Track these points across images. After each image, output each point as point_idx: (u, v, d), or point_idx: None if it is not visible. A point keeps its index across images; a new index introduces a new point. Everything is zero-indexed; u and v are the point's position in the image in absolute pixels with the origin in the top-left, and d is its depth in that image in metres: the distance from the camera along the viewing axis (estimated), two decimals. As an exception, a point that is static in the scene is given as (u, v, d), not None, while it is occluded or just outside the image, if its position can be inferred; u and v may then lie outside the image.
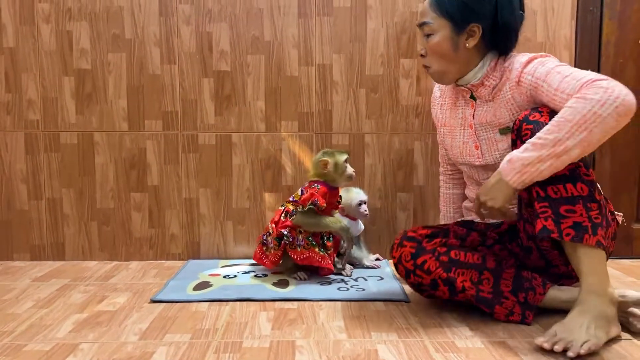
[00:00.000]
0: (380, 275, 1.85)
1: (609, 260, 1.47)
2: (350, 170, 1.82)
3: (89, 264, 2.02)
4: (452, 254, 1.46)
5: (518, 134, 1.36)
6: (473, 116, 1.56)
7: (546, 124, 1.29)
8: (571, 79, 1.29)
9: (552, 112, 1.32)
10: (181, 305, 1.57)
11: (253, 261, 1.90)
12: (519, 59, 1.46)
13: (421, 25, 1.51)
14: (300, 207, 1.77)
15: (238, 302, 1.60)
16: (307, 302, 1.60)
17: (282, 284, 1.76)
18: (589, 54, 2.05)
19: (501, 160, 1.40)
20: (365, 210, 1.92)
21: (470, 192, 1.66)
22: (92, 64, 2.01)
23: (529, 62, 1.43)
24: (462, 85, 1.55)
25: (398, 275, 1.85)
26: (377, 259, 2.02)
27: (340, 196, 1.92)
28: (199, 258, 2.08)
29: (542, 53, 1.48)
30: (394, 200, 2.08)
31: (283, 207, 1.84)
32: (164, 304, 1.59)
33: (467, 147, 1.57)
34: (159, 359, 1.23)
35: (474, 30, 1.47)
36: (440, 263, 1.45)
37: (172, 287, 1.72)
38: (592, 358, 1.23)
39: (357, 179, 2.06)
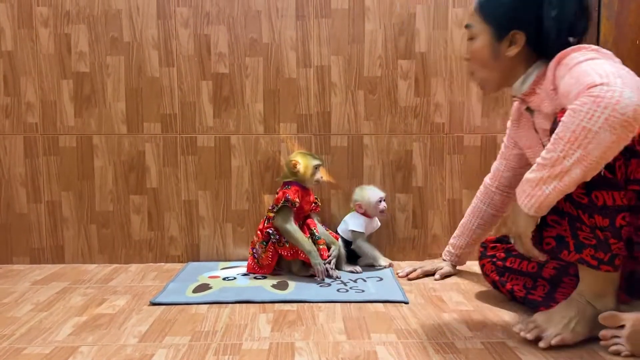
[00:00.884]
0: (379, 277, 1.85)
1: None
2: (318, 175, 1.88)
3: (88, 267, 2.02)
4: (508, 261, 1.55)
5: None
6: (535, 129, 1.43)
7: None
8: (575, 84, 1.14)
9: None
10: (181, 308, 1.57)
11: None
12: (555, 59, 1.27)
13: (466, 27, 1.43)
14: (275, 206, 1.81)
15: (237, 304, 1.60)
16: (306, 304, 1.61)
17: (282, 285, 1.76)
18: (586, 55, 2.05)
19: None
20: (385, 207, 1.95)
21: None
22: (91, 67, 2.01)
23: (558, 63, 1.25)
24: (515, 97, 1.44)
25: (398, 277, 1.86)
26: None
27: (317, 198, 1.94)
28: (198, 260, 2.08)
29: (580, 45, 1.26)
30: (392, 202, 2.08)
31: (266, 216, 1.88)
32: (164, 306, 1.59)
33: None
34: (158, 361, 1.23)
35: (516, 37, 1.35)
36: (495, 267, 1.57)
37: (171, 289, 1.72)
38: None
39: (356, 180, 2.06)
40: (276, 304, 1.60)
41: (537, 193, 1.18)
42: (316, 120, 2.06)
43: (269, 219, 1.85)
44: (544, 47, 1.33)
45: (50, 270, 1.98)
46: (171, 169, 2.05)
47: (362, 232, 1.93)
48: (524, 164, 1.63)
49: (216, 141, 2.05)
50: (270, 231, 1.82)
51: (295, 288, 1.73)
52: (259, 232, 1.88)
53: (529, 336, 1.27)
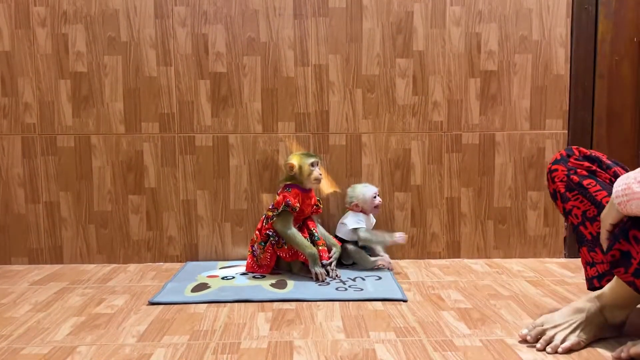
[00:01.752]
0: (378, 275, 1.85)
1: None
2: (316, 173, 1.85)
3: (87, 267, 2.02)
4: (586, 181, 1.32)
5: None
6: None
7: None
8: None
9: None
10: (179, 307, 1.57)
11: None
12: None
13: None
14: (275, 210, 1.80)
15: (236, 303, 1.60)
16: (305, 303, 1.60)
17: (280, 284, 1.76)
18: (584, 52, 2.05)
19: None
20: (380, 202, 1.96)
21: None
22: (88, 67, 2.01)
23: None
24: None
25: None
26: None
27: (319, 200, 1.93)
28: (197, 260, 2.08)
29: None
30: (391, 200, 2.08)
31: (264, 215, 1.88)
32: (162, 306, 1.59)
33: None
34: (156, 360, 1.23)
35: None
36: (567, 180, 1.35)
37: (170, 289, 1.72)
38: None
39: (355, 179, 2.06)
40: (275, 303, 1.60)
41: (636, 194, 1.10)
42: (314, 119, 2.05)
43: (267, 218, 1.85)
44: None
45: (48, 270, 1.98)
46: (169, 169, 2.05)
47: (364, 228, 1.93)
48: None
49: (214, 140, 2.05)
50: (270, 232, 1.82)
51: (294, 287, 1.73)
52: (257, 232, 1.88)
53: (539, 346, 1.25)
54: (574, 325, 1.26)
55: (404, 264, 2.03)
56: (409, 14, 2.02)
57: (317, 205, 1.92)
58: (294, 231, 1.80)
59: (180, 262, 2.07)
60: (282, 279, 1.81)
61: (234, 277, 1.84)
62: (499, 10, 2.03)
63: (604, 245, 1.22)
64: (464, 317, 1.48)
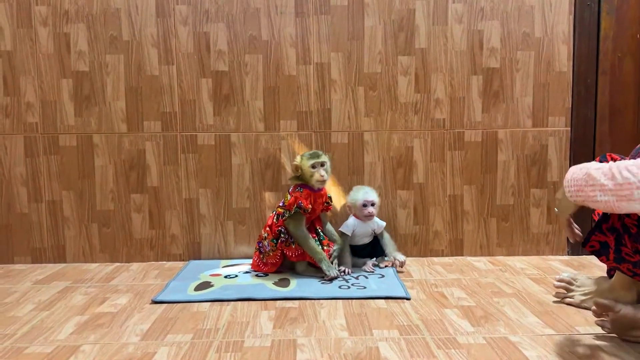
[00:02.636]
0: (381, 273, 1.85)
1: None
2: (317, 175, 1.79)
3: (89, 266, 2.02)
4: None
5: None
6: None
7: None
8: None
9: None
10: (182, 306, 1.57)
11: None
12: None
13: None
14: (287, 211, 1.78)
15: (239, 302, 1.60)
16: (308, 301, 1.60)
17: (283, 283, 1.76)
18: (587, 49, 2.05)
19: None
20: (370, 212, 1.87)
21: None
22: (90, 66, 2.01)
23: None
24: None
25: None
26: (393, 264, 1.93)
27: (330, 197, 1.93)
28: (199, 259, 2.08)
29: None
30: (393, 198, 2.08)
31: (274, 212, 1.87)
32: (165, 304, 1.59)
33: None
34: (160, 359, 1.23)
35: None
36: None
37: (173, 287, 1.72)
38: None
39: (357, 177, 2.06)
40: (278, 301, 1.60)
41: (588, 193, 1.15)
42: (316, 118, 2.05)
43: (278, 215, 1.83)
44: None
45: (51, 269, 1.98)
46: (172, 168, 2.05)
47: (348, 235, 1.90)
48: None
49: (216, 139, 2.05)
50: (282, 229, 1.80)
51: (297, 285, 1.73)
52: (268, 228, 1.86)
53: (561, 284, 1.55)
54: (588, 292, 1.51)
55: (406, 262, 2.02)
56: (410, 11, 2.02)
57: (327, 203, 1.90)
58: (306, 234, 1.79)
59: (183, 260, 2.07)
60: (286, 278, 1.81)
61: (236, 276, 1.84)
62: (501, 7, 2.03)
63: (569, 234, 1.39)
64: (467, 315, 1.47)
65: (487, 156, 2.07)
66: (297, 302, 1.60)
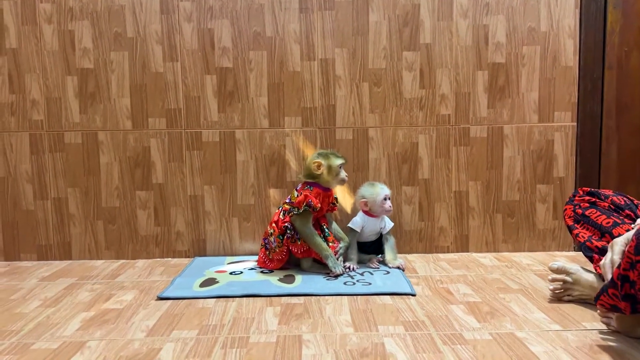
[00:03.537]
0: (386, 270, 1.85)
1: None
2: (343, 174, 1.84)
3: (95, 263, 2.03)
4: (588, 211, 1.55)
5: None
6: None
7: None
8: None
9: None
10: (188, 302, 1.57)
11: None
12: None
13: None
14: (296, 209, 1.78)
15: (244, 298, 1.60)
16: (313, 297, 1.60)
17: (288, 279, 1.76)
18: (593, 43, 2.03)
19: None
20: (390, 206, 1.89)
21: None
22: (95, 63, 2.01)
23: None
24: None
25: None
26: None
27: (336, 198, 1.92)
28: (205, 255, 2.08)
29: None
30: (399, 194, 2.07)
31: (280, 208, 1.86)
32: (171, 301, 1.59)
33: None
34: (166, 355, 1.23)
35: None
36: (574, 214, 1.58)
37: (178, 284, 1.72)
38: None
39: (362, 173, 2.06)
40: (283, 298, 1.60)
41: None
42: (321, 114, 2.05)
43: (285, 211, 1.83)
44: None
45: (57, 266, 1.99)
46: (176, 164, 2.05)
47: (356, 232, 1.90)
48: None
49: (221, 136, 2.05)
50: (288, 225, 1.80)
51: (302, 282, 1.73)
52: (274, 224, 1.85)
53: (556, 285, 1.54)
54: (586, 295, 1.49)
55: (412, 258, 2.02)
56: (415, 6, 2.01)
57: (333, 204, 1.91)
58: (312, 230, 1.79)
59: (188, 257, 2.07)
60: (290, 274, 1.81)
61: (242, 272, 1.84)
62: (506, 2, 2.01)
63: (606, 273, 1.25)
64: (473, 311, 1.47)
65: (493, 152, 2.06)
66: (302, 298, 1.60)
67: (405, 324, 1.39)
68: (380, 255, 1.93)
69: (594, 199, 1.58)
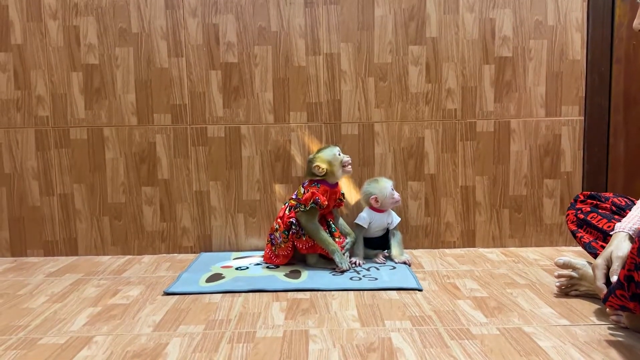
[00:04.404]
0: (392, 265, 1.84)
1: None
2: (345, 158, 1.84)
3: (102, 259, 2.03)
4: (590, 215, 1.56)
5: None
6: None
7: None
8: None
9: None
10: (194, 297, 1.57)
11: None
12: None
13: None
14: (302, 206, 1.77)
15: (251, 293, 1.60)
16: (319, 292, 1.60)
17: (294, 274, 1.76)
18: (601, 37, 2.01)
19: None
20: (399, 197, 1.90)
21: None
22: (100, 59, 2.01)
23: None
24: None
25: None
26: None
27: (343, 193, 1.92)
28: (211, 251, 2.08)
29: None
30: (405, 190, 2.06)
31: (287, 204, 1.86)
32: (177, 296, 1.59)
33: None
34: (172, 349, 1.23)
35: None
36: (576, 219, 1.59)
37: (184, 279, 1.72)
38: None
39: (368, 168, 2.05)
40: (289, 293, 1.60)
41: None
42: (326, 109, 2.04)
43: (291, 207, 1.82)
44: None
45: (64, 262, 1.99)
46: (182, 160, 2.05)
47: (363, 227, 1.90)
48: None
49: (226, 131, 2.04)
50: (293, 221, 1.79)
51: (308, 277, 1.73)
52: (279, 220, 1.84)
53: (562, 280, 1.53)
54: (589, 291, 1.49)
55: (418, 254, 2.01)
56: (421, 0, 2.00)
57: (340, 199, 1.90)
58: (318, 226, 1.78)
59: (194, 253, 2.07)
60: (297, 270, 1.81)
61: (248, 268, 1.84)
62: (513, -5, 2.00)
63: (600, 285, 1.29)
64: (480, 306, 1.46)
65: (500, 146, 2.05)
66: (308, 293, 1.59)
67: (412, 319, 1.38)
68: (386, 251, 1.93)
69: (595, 202, 1.60)
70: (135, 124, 2.03)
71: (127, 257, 2.05)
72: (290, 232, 1.79)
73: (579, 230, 1.58)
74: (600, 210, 1.57)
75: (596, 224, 1.53)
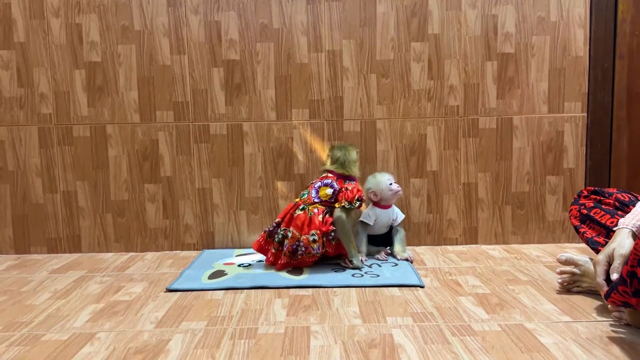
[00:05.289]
0: (394, 262, 1.84)
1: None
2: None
3: (104, 256, 2.04)
4: (593, 211, 1.56)
5: None
6: None
7: None
8: None
9: None
10: (196, 294, 1.58)
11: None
12: None
13: None
14: (347, 203, 1.74)
15: (253, 290, 1.60)
16: (321, 289, 1.60)
17: (296, 271, 1.76)
18: (604, 33, 2.00)
19: None
20: (398, 187, 1.88)
21: None
22: (102, 57, 2.02)
23: None
24: None
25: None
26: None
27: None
28: (213, 248, 2.08)
29: None
30: (407, 186, 2.06)
31: (306, 209, 1.74)
32: (180, 292, 1.60)
33: None
34: (175, 346, 1.23)
35: None
36: (579, 214, 1.59)
37: (187, 276, 1.73)
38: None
39: (370, 165, 2.05)
40: (291, 289, 1.60)
41: None
42: (328, 106, 2.04)
43: (323, 212, 1.74)
44: None
45: (67, 259, 2.00)
46: (184, 157, 2.05)
47: (368, 225, 1.89)
48: None
49: (228, 128, 2.04)
50: (332, 230, 1.73)
51: (310, 274, 1.73)
52: (316, 230, 1.71)
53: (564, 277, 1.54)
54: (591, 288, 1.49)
55: (420, 250, 2.01)
56: (423, -4, 1.99)
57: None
58: (349, 231, 1.77)
59: (197, 250, 2.08)
60: (298, 267, 1.81)
61: (250, 265, 1.85)
62: (515, -9, 1.99)
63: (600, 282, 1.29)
64: (482, 302, 1.46)
65: (502, 143, 2.05)
66: (310, 290, 1.60)
67: (413, 315, 1.38)
68: (389, 248, 1.93)
69: (598, 198, 1.60)
70: (138, 121, 2.04)
71: (130, 254, 2.06)
72: (326, 239, 1.74)
73: (582, 225, 1.58)
74: (603, 206, 1.57)
75: (599, 219, 1.53)
